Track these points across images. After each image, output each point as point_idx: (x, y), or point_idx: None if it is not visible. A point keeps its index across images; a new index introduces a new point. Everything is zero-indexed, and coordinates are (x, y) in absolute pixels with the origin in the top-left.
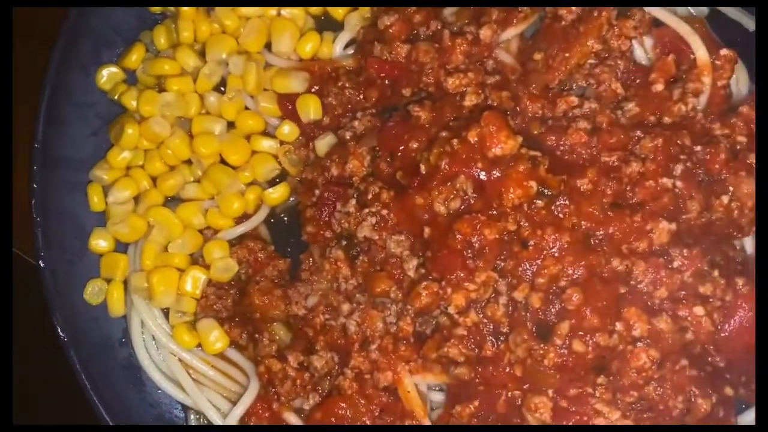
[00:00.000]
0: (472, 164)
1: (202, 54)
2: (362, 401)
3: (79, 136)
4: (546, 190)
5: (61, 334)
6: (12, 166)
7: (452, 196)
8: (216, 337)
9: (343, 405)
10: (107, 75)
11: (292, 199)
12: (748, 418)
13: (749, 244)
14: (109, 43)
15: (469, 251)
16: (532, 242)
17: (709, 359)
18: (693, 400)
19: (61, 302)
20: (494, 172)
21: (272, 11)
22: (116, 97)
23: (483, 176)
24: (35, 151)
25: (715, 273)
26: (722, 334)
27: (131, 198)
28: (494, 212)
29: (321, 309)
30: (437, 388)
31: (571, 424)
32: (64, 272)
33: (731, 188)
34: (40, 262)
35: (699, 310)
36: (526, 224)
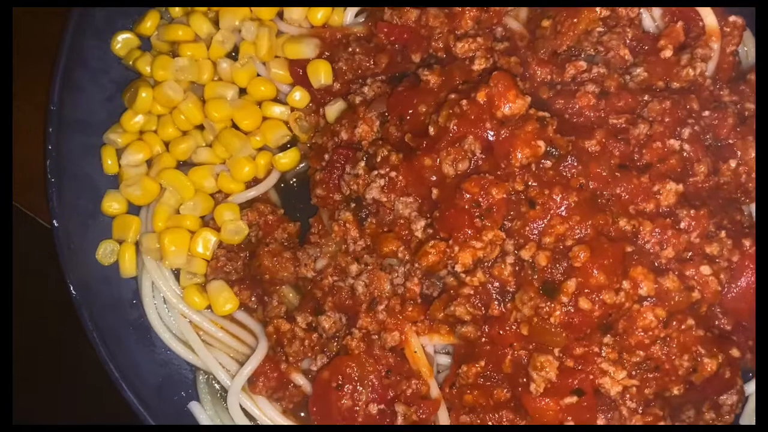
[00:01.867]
0: (480, 125)
1: (215, 21)
2: (369, 361)
3: (94, 100)
4: (554, 151)
5: (73, 292)
6: (11, 148)
7: (460, 157)
8: (226, 298)
9: (351, 364)
10: (122, 41)
11: (302, 165)
12: (754, 386)
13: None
14: (123, 10)
15: (477, 210)
16: (539, 202)
17: (716, 322)
18: (699, 359)
19: (74, 263)
20: (502, 132)
21: None
22: (131, 63)
23: (491, 137)
24: (51, 114)
25: (722, 234)
26: (729, 295)
27: (144, 161)
28: (502, 172)
29: (329, 271)
30: (444, 351)
31: (576, 382)
32: (77, 233)
33: (739, 153)
34: (55, 222)
35: (705, 270)
36: (534, 184)
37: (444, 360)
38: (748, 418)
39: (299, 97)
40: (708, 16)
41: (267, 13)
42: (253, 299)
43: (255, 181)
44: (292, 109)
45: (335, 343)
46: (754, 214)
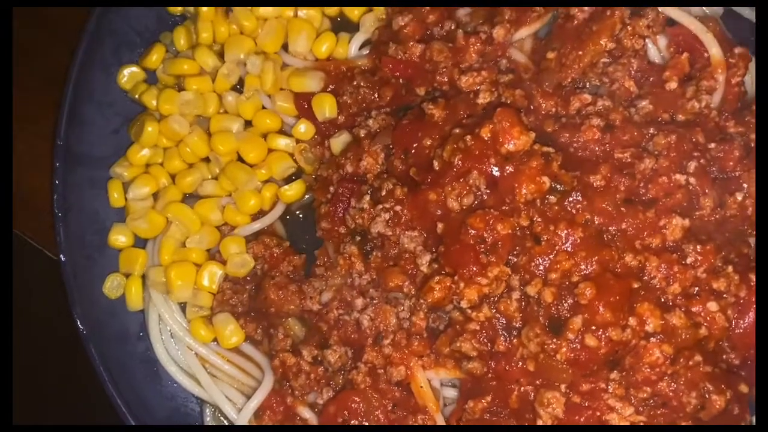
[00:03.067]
0: (485, 160)
1: (220, 54)
2: (375, 395)
3: (100, 134)
4: (559, 186)
5: (80, 327)
6: (12, 161)
7: (465, 192)
8: (232, 331)
9: (357, 399)
10: (128, 75)
11: (307, 196)
12: None
13: None
14: (129, 43)
15: (482, 246)
16: (544, 237)
17: (724, 356)
18: (707, 396)
19: (81, 296)
20: (507, 167)
21: (289, 12)
22: (137, 96)
23: (496, 172)
24: (57, 149)
25: (729, 269)
26: (737, 331)
27: (150, 194)
28: (507, 208)
29: (335, 304)
30: (450, 384)
31: (583, 419)
32: (84, 267)
33: (745, 185)
34: (62, 256)
35: (713, 306)
36: (539, 220)
37: (450, 393)
38: None
39: (304, 129)
40: (713, 47)
41: (272, 46)
42: (258, 332)
43: (260, 213)
44: (297, 141)
45: (341, 377)
46: None
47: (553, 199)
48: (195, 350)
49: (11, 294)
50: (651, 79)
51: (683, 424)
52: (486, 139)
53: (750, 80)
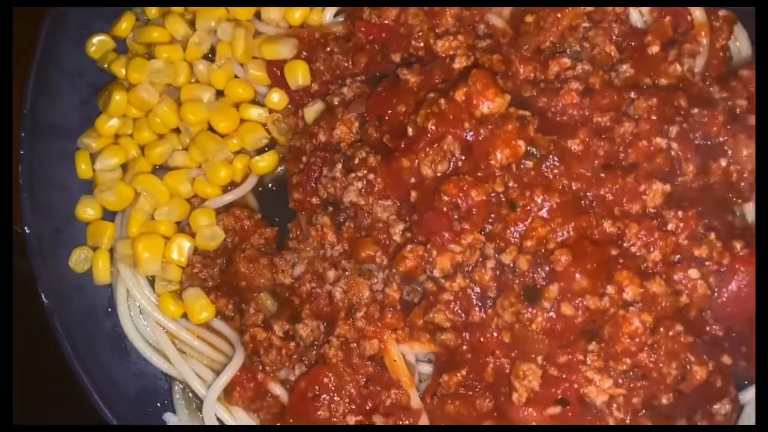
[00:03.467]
0: (459, 124)
1: (191, 23)
2: (348, 370)
3: (69, 104)
4: (535, 151)
5: (45, 300)
6: (12, 159)
7: (439, 158)
8: (202, 306)
9: (329, 374)
10: (97, 43)
11: (280, 168)
12: (749, 395)
13: (750, 210)
14: (99, 12)
15: (456, 213)
16: (520, 204)
17: (707, 328)
18: (688, 367)
19: (46, 269)
20: (482, 131)
21: None
22: (106, 66)
23: (470, 137)
24: (24, 118)
25: (712, 236)
26: (719, 300)
27: (119, 166)
28: (482, 173)
29: (307, 277)
30: (426, 360)
31: (560, 392)
32: (50, 239)
33: (730, 151)
34: (26, 228)
35: (694, 273)
36: (515, 185)
37: (426, 369)
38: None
39: (277, 98)
40: (696, 10)
41: (244, 13)
42: (230, 307)
43: (232, 185)
44: (270, 111)
45: (313, 352)
46: (747, 215)
47: (529, 164)
48: (164, 326)
49: (11, 294)
50: (633, 43)
51: (664, 396)
52: (460, 102)
53: (735, 45)
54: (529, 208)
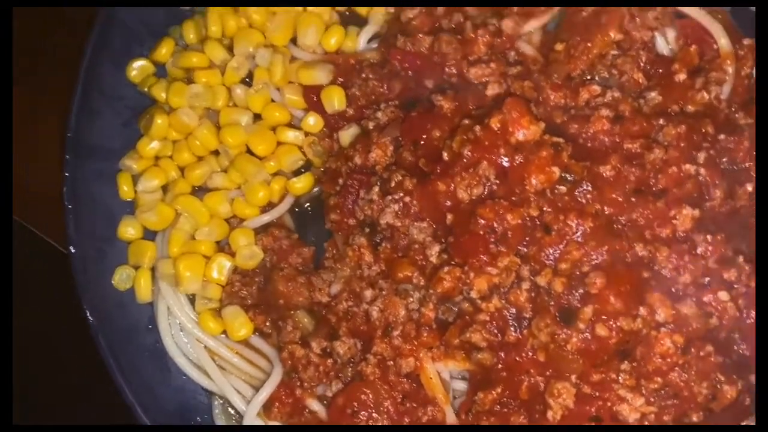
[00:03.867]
0: (494, 150)
1: (229, 48)
2: (384, 387)
3: (110, 126)
4: (569, 176)
5: (89, 318)
6: (11, 157)
7: (475, 183)
8: (241, 323)
9: (366, 390)
10: (138, 68)
11: (316, 189)
12: None
13: None
14: (138, 37)
15: (492, 236)
16: (555, 227)
17: (735, 347)
18: (719, 386)
19: (90, 288)
20: (517, 158)
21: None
22: (146, 89)
23: (505, 162)
24: (68, 141)
25: (740, 259)
26: (747, 321)
27: (160, 187)
28: (516, 198)
29: (344, 296)
30: (459, 377)
31: (594, 409)
32: (93, 259)
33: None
34: (71, 248)
35: (723, 295)
36: (549, 210)
37: (460, 385)
38: None
39: (313, 122)
40: (722, 38)
41: (281, 39)
42: (267, 324)
43: (269, 206)
44: (306, 134)
45: (350, 369)
46: None
47: (563, 189)
48: (204, 342)
49: (11, 294)
50: (660, 70)
51: (694, 414)
52: (495, 129)
53: None
54: (563, 231)
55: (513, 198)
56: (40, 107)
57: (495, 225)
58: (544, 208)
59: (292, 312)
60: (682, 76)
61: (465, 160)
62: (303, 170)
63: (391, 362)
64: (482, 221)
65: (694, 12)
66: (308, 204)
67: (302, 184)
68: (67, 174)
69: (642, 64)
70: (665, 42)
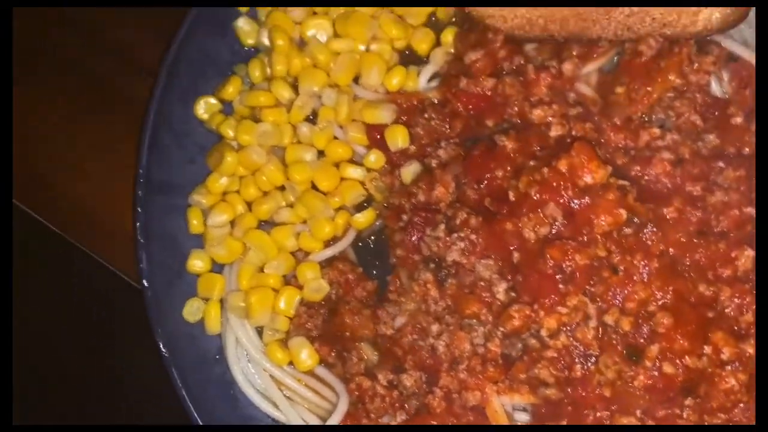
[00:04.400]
0: (562, 192)
1: (294, 86)
2: (450, 419)
3: (178, 163)
4: (634, 218)
5: (163, 350)
6: (12, 153)
7: (542, 223)
8: (307, 354)
9: (433, 422)
10: (205, 105)
11: (377, 223)
12: None
13: None
14: (205, 74)
15: (560, 276)
16: (621, 268)
17: None
18: None
19: (162, 320)
20: (584, 200)
21: (361, 46)
22: (214, 127)
23: (573, 204)
24: (139, 177)
25: None
26: None
27: (228, 221)
28: (584, 238)
29: (409, 329)
30: (521, 408)
31: None
32: (164, 292)
33: None
34: (144, 282)
35: None
36: (616, 250)
37: (522, 417)
38: None
39: (374, 158)
40: None
41: (344, 79)
42: (332, 355)
43: (333, 239)
44: (368, 170)
45: (415, 401)
46: None
47: (628, 230)
48: (271, 373)
49: (11, 294)
50: (716, 113)
51: None
52: (563, 171)
53: None
54: (630, 272)
55: (579, 238)
56: (109, 142)
57: (563, 265)
58: (612, 249)
59: (356, 344)
60: (738, 119)
61: (532, 201)
62: (365, 205)
63: (457, 395)
64: (551, 261)
65: (748, 55)
66: (370, 238)
67: (365, 218)
68: (139, 209)
69: (698, 107)
70: (719, 85)
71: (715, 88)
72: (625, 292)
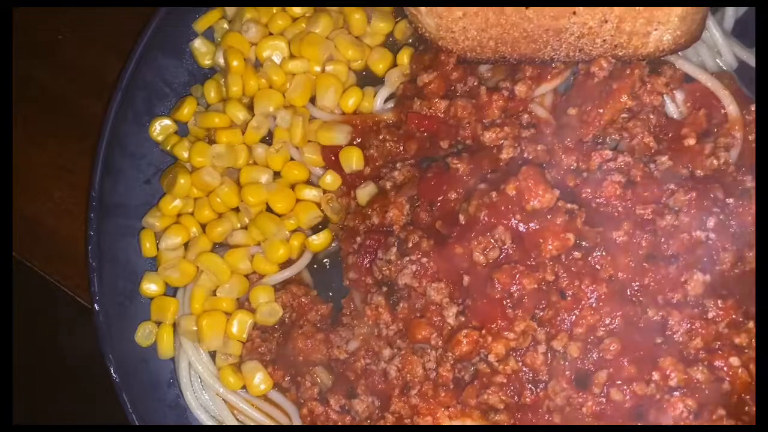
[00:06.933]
0: (510, 216)
1: (249, 107)
2: None
3: (133, 184)
4: (583, 242)
5: (113, 375)
6: (11, 178)
7: (491, 246)
8: (260, 379)
9: None
10: (160, 127)
11: (333, 245)
12: None
13: None
14: (161, 95)
15: (508, 300)
16: (570, 293)
17: (746, 408)
18: None
19: (113, 344)
20: (532, 224)
21: (316, 67)
22: (168, 148)
23: (521, 228)
24: (91, 199)
25: (750, 324)
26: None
27: (182, 244)
28: (532, 262)
29: (362, 353)
30: None
31: None
32: (116, 315)
33: None
34: (95, 305)
35: (735, 361)
36: (564, 275)
37: None
38: None
39: (331, 180)
40: (730, 104)
41: (300, 100)
42: (286, 379)
43: (288, 262)
44: (324, 192)
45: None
46: None
47: (577, 254)
48: (224, 397)
49: (11, 294)
50: (669, 134)
51: None
52: (511, 195)
53: None
54: (578, 296)
55: (528, 262)
56: (68, 163)
57: (512, 289)
58: (559, 273)
59: (310, 368)
60: (691, 141)
61: (481, 224)
62: (321, 227)
63: (408, 420)
64: (499, 285)
65: (703, 77)
66: (326, 259)
67: (320, 240)
68: (91, 232)
69: (652, 127)
70: (674, 105)
71: (671, 109)
72: (573, 317)
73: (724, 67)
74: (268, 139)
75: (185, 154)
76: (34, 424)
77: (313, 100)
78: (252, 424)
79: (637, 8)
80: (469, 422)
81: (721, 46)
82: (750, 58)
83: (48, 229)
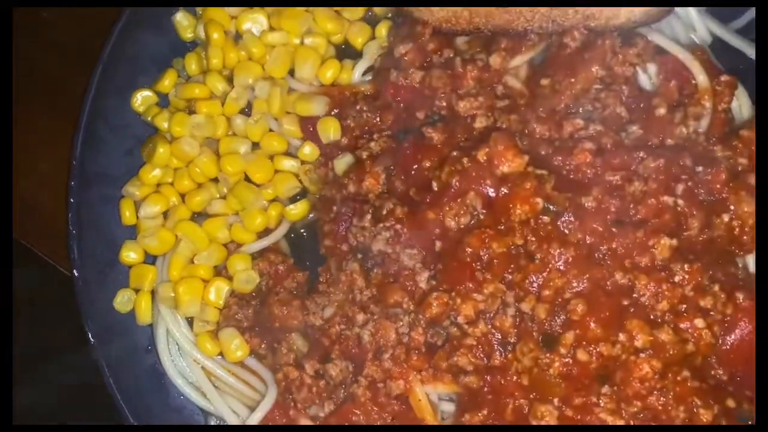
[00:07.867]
0: (481, 181)
1: (229, 79)
2: (375, 409)
3: (114, 154)
4: (552, 207)
5: (91, 340)
6: (12, 162)
7: (462, 212)
8: (237, 345)
9: (357, 412)
10: (141, 98)
11: (311, 215)
12: None
13: (751, 262)
14: (143, 69)
15: (478, 264)
16: (538, 256)
17: (712, 372)
18: (695, 410)
19: (92, 310)
20: (502, 189)
21: (296, 39)
22: (149, 119)
23: (492, 193)
24: (73, 168)
25: (716, 287)
26: (724, 347)
27: (161, 213)
28: (502, 227)
29: (337, 319)
30: (447, 399)
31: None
32: (95, 282)
33: (732, 207)
34: (75, 272)
35: (699, 323)
36: (533, 239)
37: (448, 407)
38: None
39: (309, 150)
40: (700, 75)
41: (279, 71)
42: (263, 346)
43: (266, 231)
44: (302, 162)
45: (342, 390)
46: (749, 266)
47: (546, 219)
48: (201, 363)
49: (11, 295)
50: (641, 105)
51: None
52: (482, 161)
53: (736, 106)
54: (546, 260)
55: (499, 227)
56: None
57: (481, 253)
58: (529, 237)
59: (286, 335)
60: (662, 111)
61: (453, 190)
62: (299, 197)
63: (382, 384)
64: (469, 249)
65: (674, 49)
66: (304, 230)
67: (298, 210)
68: (71, 200)
69: (624, 99)
70: (647, 77)
71: (643, 81)
72: (542, 279)
73: (698, 41)
74: (247, 111)
75: (165, 125)
76: (34, 425)
77: (292, 73)
78: (228, 389)
79: None
80: (440, 387)
81: (695, 21)
82: (724, 34)
83: (40, 204)
